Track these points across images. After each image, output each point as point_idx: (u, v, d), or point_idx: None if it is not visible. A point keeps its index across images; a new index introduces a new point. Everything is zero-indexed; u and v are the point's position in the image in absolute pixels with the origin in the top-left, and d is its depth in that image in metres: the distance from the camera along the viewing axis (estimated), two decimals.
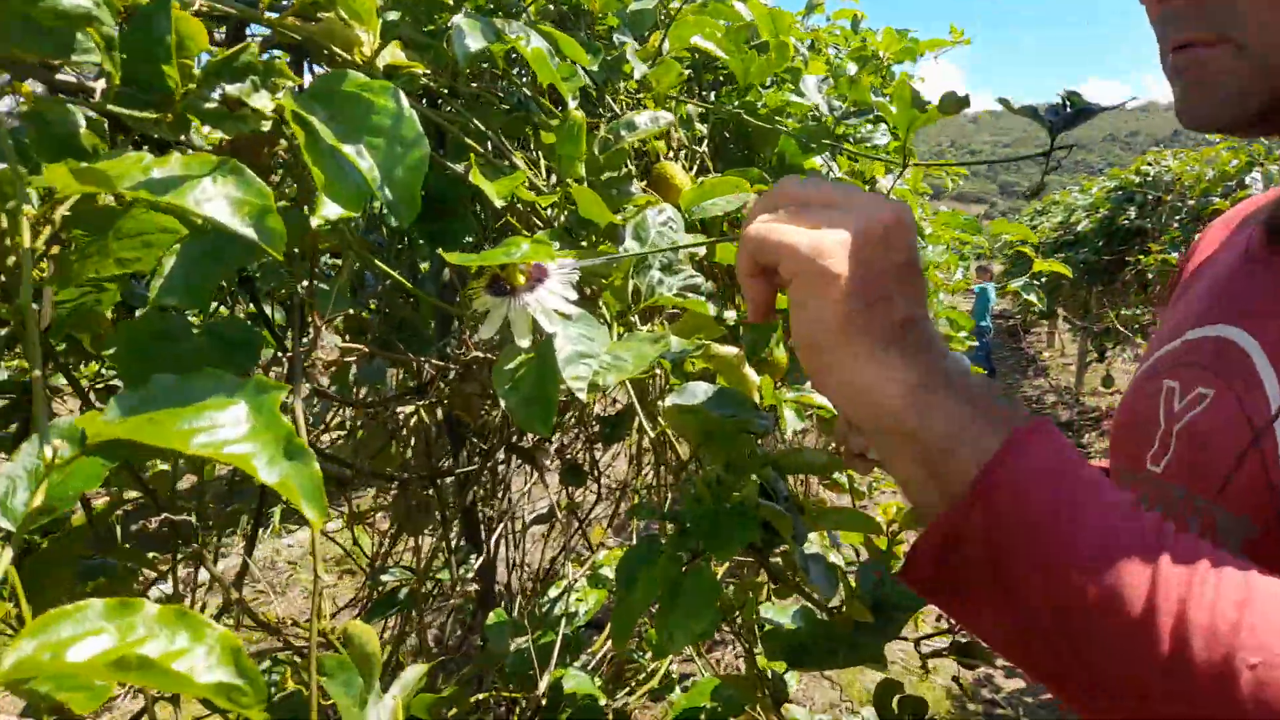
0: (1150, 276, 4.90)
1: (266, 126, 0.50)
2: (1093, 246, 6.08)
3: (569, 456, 1.73)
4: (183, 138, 0.49)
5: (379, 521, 1.70)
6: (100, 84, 0.53)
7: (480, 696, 0.76)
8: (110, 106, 0.45)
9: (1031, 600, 0.42)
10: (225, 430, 0.38)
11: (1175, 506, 0.60)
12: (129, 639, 0.34)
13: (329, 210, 0.54)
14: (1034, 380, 9.78)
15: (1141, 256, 4.92)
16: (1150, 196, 5.33)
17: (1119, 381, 7.11)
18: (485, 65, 0.95)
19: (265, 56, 0.50)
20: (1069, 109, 0.90)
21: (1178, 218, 4.86)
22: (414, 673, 0.61)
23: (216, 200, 0.43)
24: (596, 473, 1.78)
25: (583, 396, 0.62)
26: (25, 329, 0.40)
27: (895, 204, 0.48)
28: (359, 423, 1.27)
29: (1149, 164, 5.52)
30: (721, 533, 0.66)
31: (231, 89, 0.47)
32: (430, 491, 1.16)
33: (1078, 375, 8.24)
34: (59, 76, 0.53)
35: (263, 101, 0.49)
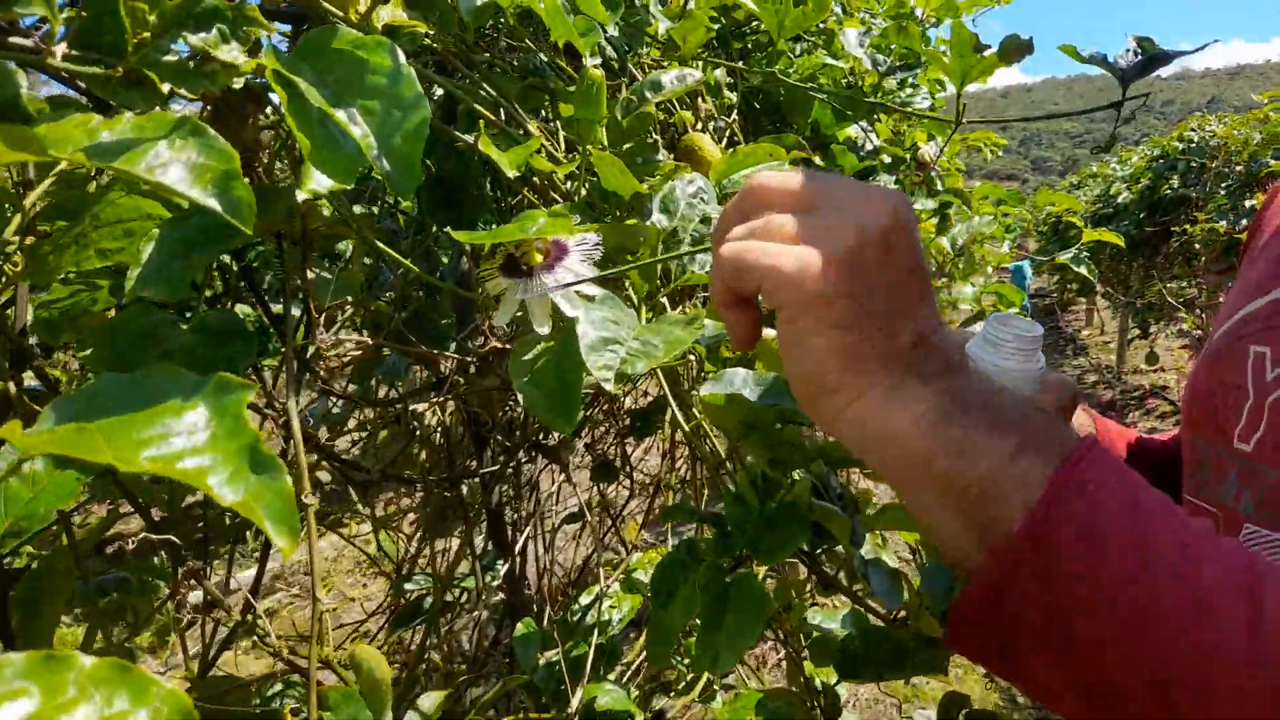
0: (1197, 247, 4.70)
1: (238, 83, 0.43)
2: (1133, 219, 5.88)
3: (599, 452, 1.67)
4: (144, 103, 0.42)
5: (406, 524, 1.65)
6: (61, 47, 0.47)
7: None
8: (51, 62, 0.38)
9: (1105, 658, 0.35)
10: (181, 439, 0.31)
11: (1269, 491, 0.51)
12: (57, 701, 0.27)
13: (317, 182, 0.48)
14: (1074, 359, 9.55)
15: (1187, 226, 4.73)
16: (1195, 163, 5.13)
17: (1164, 359, 6.89)
18: (497, 31, 0.88)
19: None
20: (1139, 56, 0.81)
21: (1225, 184, 4.66)
22: (430, 701, 0.54)
23: (173, 166, 0.36)
24: (628, 468, 1.71)
25: (610, 388, 0.55)
26: None
27: (890, 195, 0.40)
28: (381, 423, 1.21)
29: (1192, 129, 5.31)
30: (769, 537, 0.59)
31: (195, 39, 0.40)
32: (454, 494, 1.10)
33: (1119, 353, 8.02)
34: (13, 39, 0.47)
35: (233, 54, 0.42)
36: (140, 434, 0.31)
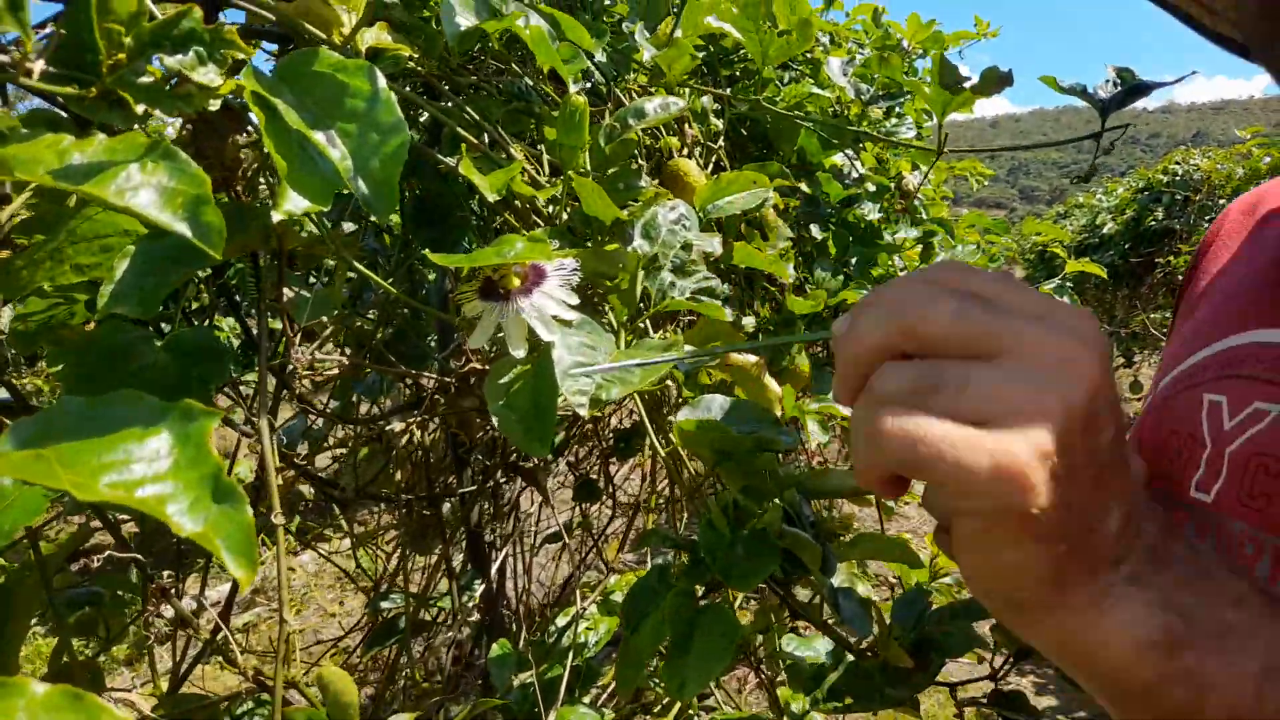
0: (1179, 279, 4.75)
1: (215, 105, 0.43)
2: (1118, 249, 5.94)
3: (582, 471, 1.66)
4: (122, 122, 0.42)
5: (386, 543, 1.64)
6: (39, 64, 0.47)
7: None
8: (24, 81, 0.38)
9: None
10: (140, 467, 0.31)
11: (1229, 541, 0.51)
12: None
13: (293, 203, 0.48)
14: None
15: (1171, 258, 4.78)
16: (1179, 196, 5.20)
17: (1147, 387, 6.93)
18: (482, 54, 0.89)
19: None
20: (1119, 87, 0.83)
21: (1208, 217, 4.72)
22: None
23: (144, 190, 0.36)
24: (611, 489, 1.70)
25: (584, 412, 0.55)
26: None
27: (1090, 336, 0.32)
28: (364, 440, 1.21)
29: (1176, 163, 5.39)
30: (741, 564, 0.59)
31: (172, 61, 0.40)
32: (433, 512, 1.09)
33: None
34: None
35: (209, 76, 0.42)
36: (100, 459, 0.31)
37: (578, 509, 1.74)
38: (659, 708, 1.07)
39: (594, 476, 1.65)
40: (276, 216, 0.48)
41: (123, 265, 0.54)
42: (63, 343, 0.69)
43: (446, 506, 1.20)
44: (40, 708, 0.27)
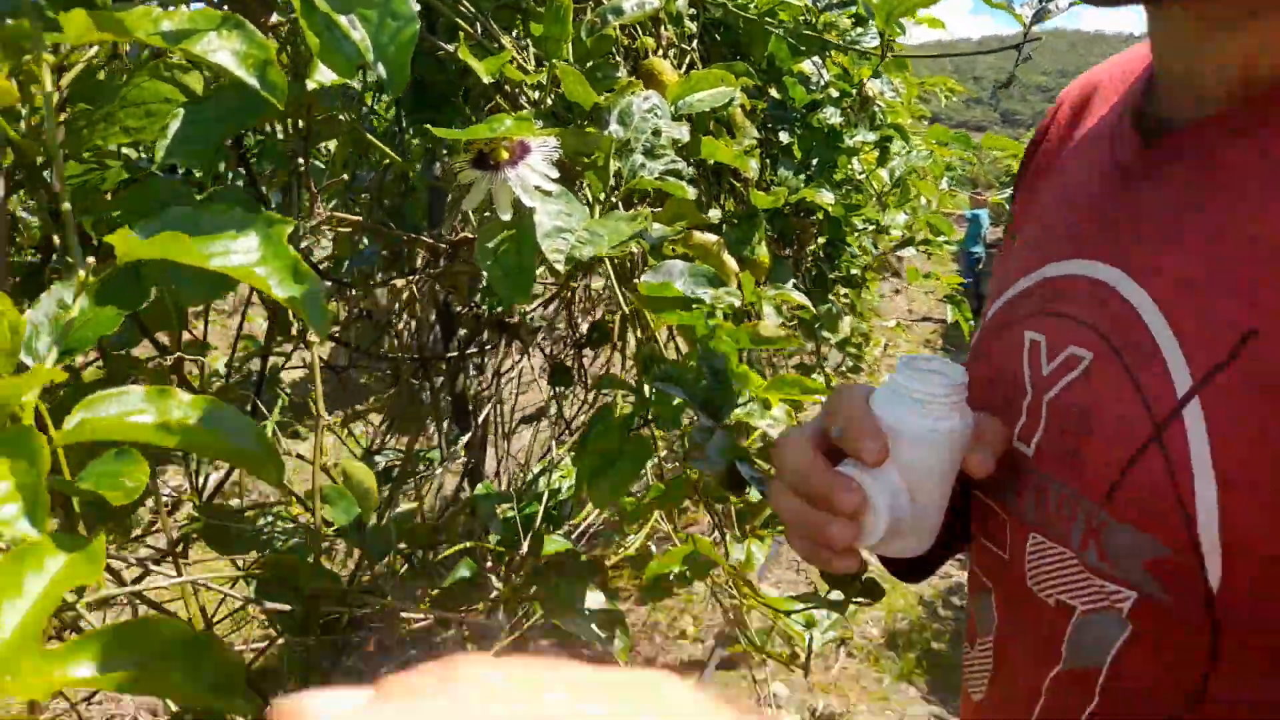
0: None
1: None
2: None
3: (558, 359, 1.79)
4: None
5: (376, 417, 1.77)
6: None
7: (469, 545, 0.83)
8: None
9: None
10: (239, 256, 0.43)
11: (1050, 499, 0.44)
12: (165, 420, 0.39)
13: (323, 75, 0.58)
14: None
15: None
16: None
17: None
18: None
19: None
20: (1042, 2, 0.94)
21: None
22: (406, 507, 0.67)
23: (222, 51, 0.47)
24: (584, 376, 1.84)
25: (560, 268, 0.67)
26: (54, 162, 0.45)
27: None
28: (355, 312, 1.32)
29: None
30: (667, 406, 0.73)
31: None
32: (422, 377, 1.22)
33: None
34: None
35: None
36: (208, 249, 0.43)
37: (553, 394, 1.88)
38: (620, 549, 1.23)
39: (569, 363, 1.78)
40: (310, 85, 0.59)
41: (174, 124, 0.64)
42: (96, 205, 0.79)
43: (428, 392, 1.33)
44: (189, 406, 0.40)
